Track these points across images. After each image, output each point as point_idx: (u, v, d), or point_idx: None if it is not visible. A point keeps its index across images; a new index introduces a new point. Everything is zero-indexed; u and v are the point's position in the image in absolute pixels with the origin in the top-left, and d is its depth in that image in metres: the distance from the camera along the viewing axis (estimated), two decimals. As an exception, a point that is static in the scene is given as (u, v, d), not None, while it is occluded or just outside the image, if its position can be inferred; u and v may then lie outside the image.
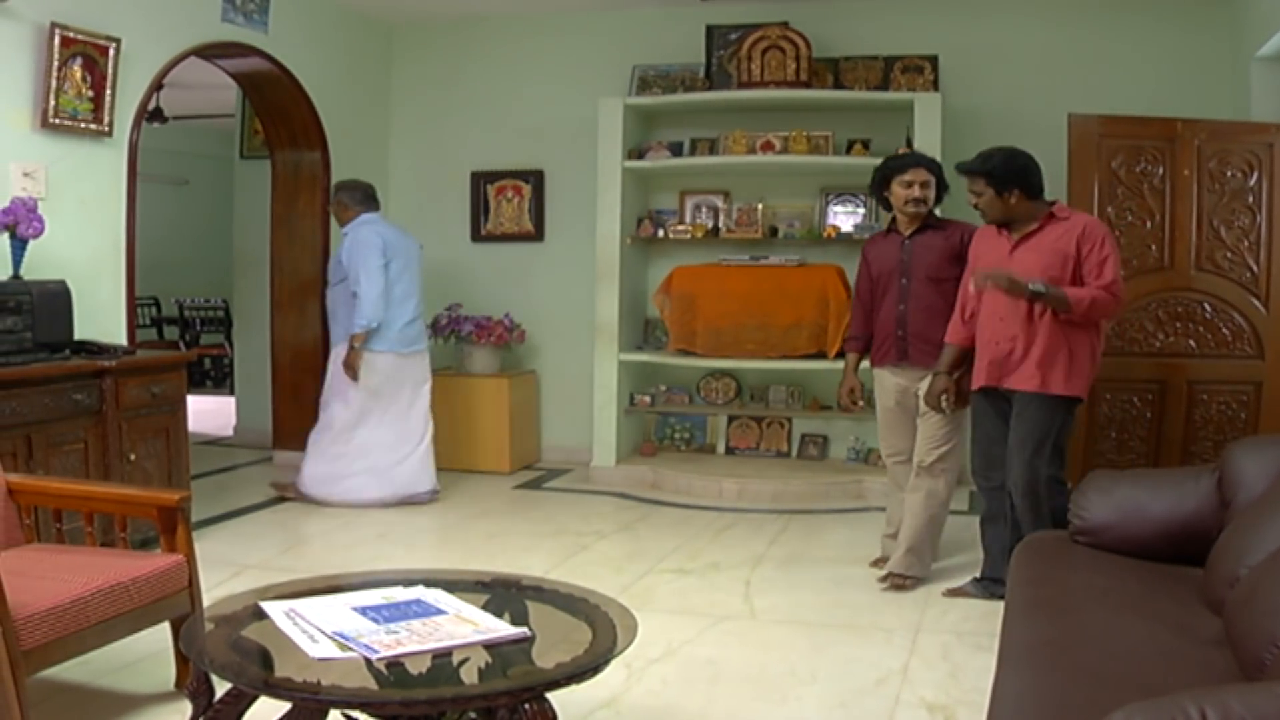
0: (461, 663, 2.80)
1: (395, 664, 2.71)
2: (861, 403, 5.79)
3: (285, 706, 2.87)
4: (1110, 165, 6.39)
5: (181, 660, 3.83)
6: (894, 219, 5.56)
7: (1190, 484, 3.88)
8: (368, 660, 2.69)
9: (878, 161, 7.17)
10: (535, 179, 8.49)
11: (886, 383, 5.54)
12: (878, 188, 5.52)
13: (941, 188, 5.46)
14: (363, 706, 2.69)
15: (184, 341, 12.96)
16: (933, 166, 5.44)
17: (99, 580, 3.47)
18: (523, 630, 2.93)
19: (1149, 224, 6.39)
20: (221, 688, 2.88)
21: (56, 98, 5.65)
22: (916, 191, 5.35)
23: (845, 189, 7.74)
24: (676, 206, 8.14)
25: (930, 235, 5.44)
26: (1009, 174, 4.86)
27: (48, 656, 3.30)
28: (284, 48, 7.43)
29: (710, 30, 7.92)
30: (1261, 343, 6.31)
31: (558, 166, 8.40)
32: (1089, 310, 4.74)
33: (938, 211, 5.59)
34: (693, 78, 7.93)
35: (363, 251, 6.77)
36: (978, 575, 5.20)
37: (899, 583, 5.28)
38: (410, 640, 2.79)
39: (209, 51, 6.98)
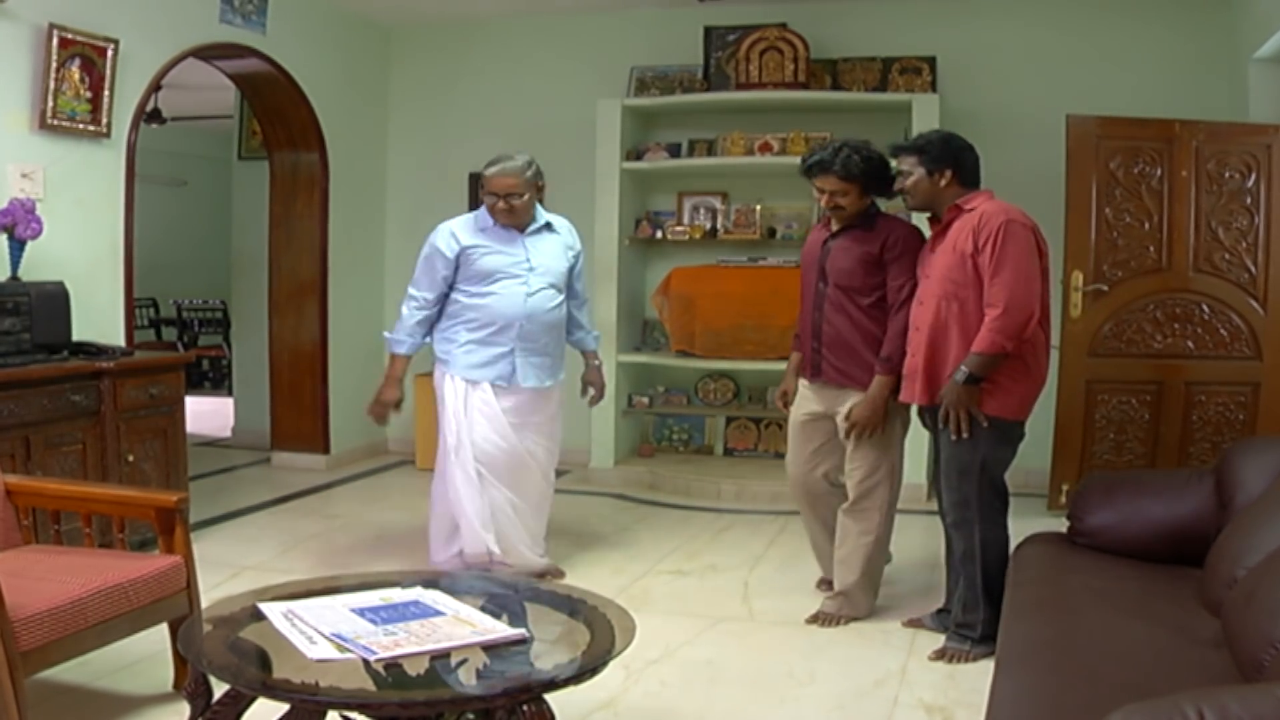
0: (459, 664, 2.80)
1: (393, 665, 2.71)
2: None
3: (283, 708, 2.86)
4: (1108, 166, 6.40)
5: (180, 661, 3.83)
6: None
7: (1188, 485, 3.90)
8: (366, 661, 2.69)
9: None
10: (533, 180, 8.46)
11: (805, 395, 4.95)
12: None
13: (875, 189, 4.71)
14: (361, 708, 2.69)
15: (182, 343, 12.97)
16: (845, 173, 4.62)
17: (97, 582, 3.47)
18: (521, 631, 2.93)
19: (1147, 225, 6.40)
20: (220, 689, 2.88)
21: (54, 99, 5.65)
22: (825, 201, 4.72)
23: (843, 190, 7.70)
24: (674, 208, 8.13)
25: (852, 237, 4.73)
26: (944, 152, 4.37)
27: (46, 658, 3.30)
28: (282, 49, 7.43)
29: (708, 31, 7.91)
30: (1259, 344, 6.32)
31: (555, 167, 8.35)
32: (1001, 345, 4.12)
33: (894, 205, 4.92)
34: (691, 79, 7.93)
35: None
36: (941, 606, 4.74)
37: (828, 622, 4.82)
38: (408, 641, 2.79)
39: (207, 52, 6.97)
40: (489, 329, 5.17)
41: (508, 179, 5.24)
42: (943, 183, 4.38)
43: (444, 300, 5.29)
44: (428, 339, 5.37)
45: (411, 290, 5.30)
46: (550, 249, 5.34)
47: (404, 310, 5.31)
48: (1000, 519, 4.38)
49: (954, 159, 4.37)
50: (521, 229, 5.28)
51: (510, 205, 5.20)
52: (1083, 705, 2.44)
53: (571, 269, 5.46)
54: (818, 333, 4.81)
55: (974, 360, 4.16)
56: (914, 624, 4.77)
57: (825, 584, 5.18)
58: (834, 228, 4.80)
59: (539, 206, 5.40)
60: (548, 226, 5.40)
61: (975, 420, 4.21)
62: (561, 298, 5.36)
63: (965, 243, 4.23)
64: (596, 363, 5.77)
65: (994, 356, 4.14)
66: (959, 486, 4.34)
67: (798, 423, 4.95)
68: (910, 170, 4.43)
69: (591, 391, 5.79)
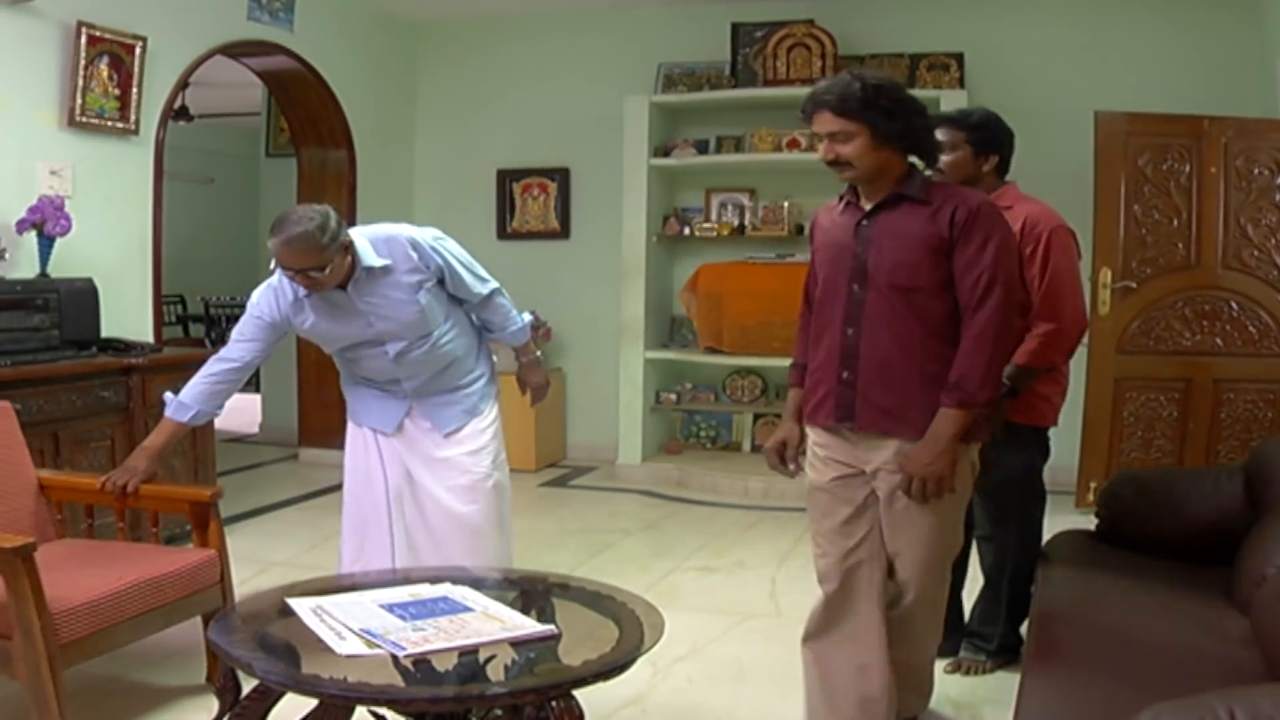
0: (488, 660, 2.80)
1: (422, 661, 2.72)
2: (794, 466, 3.51)
3: (312, 703, 2.88)
4: (1137, 163, 6.37)
5: (213, 655, 3.85)
6: None
7: (1218, 483, 3.88)
8: (394, 657, 2.69)
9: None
10: (561, 177, 8.49)
11: (820, 449, 3.43)
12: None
13: (903, 142, 3.18)
14: (389, 703, 2.70)
15: (209, 339, 13.02)
16: (841, 106, 3.11)
17: (134, 575, 3.51)
18: (549, 628, 2.93)
19: (1175, 222, 6.36)
20: (248, 684, 2.89)
21: (83, 96, 5.69)
22: (822, 151, 3.19)
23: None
24: (702, 204, 8.12)
25: (904, 212, 3.21)
26: (993, 137, 3.95)
27: (83, 651, 3.34)
28: (309, 46, 7.46)
29: (735, 28, 7.90)
30: (1288, 341, 6.29)
31: (584, 164, 8.40)
32: (1052, 361, 3.88)
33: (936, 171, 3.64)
34: (718, 75, 7.92)
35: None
36: None
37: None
38: (437, 637, 2.79)
39: (235, 50, 7.01)
40: (371, 384, 4.24)
41: (294, 254, 3.76)
42: (985, 168, 3.96)
43: (257, 362, 4.18)
44: (220, 410, 4.14)
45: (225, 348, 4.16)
46: (392, 298, 4.00)
47: (206, 365, 4.11)
48: (1036, 532, 4.16)
49: (998, 147, 3.99)
50: (344, 288, 3.95)
51: (311, 280, 3.83)
52: (1111, 703, 2.43)
53: (442, 285, 4.21)
54: (850, 358, 3.28)
55: (1015, 372, 3.73)
56: None
57: None
58: (864, 204, 3.30)
59: (362, 246, 3.95)
60: (372, 271, 3.95)
61: (1017, 430, 3.89)
62: (439, 333, 4.18)
63: None
64: (534, 355, 4.69)
65: (1039, 371, 3.87)
66: (999, 499, 4.04)
67: (824, 485, 3.41)
68: (958, 145, 3.92)
69: (529, 391, 4.73)
